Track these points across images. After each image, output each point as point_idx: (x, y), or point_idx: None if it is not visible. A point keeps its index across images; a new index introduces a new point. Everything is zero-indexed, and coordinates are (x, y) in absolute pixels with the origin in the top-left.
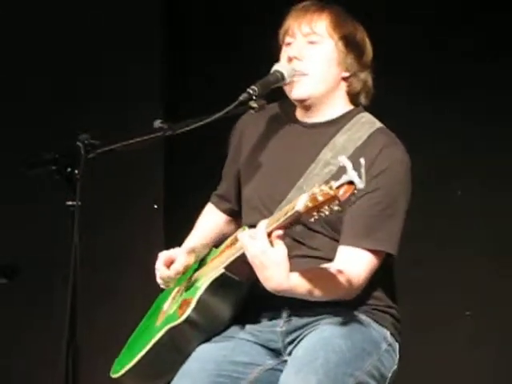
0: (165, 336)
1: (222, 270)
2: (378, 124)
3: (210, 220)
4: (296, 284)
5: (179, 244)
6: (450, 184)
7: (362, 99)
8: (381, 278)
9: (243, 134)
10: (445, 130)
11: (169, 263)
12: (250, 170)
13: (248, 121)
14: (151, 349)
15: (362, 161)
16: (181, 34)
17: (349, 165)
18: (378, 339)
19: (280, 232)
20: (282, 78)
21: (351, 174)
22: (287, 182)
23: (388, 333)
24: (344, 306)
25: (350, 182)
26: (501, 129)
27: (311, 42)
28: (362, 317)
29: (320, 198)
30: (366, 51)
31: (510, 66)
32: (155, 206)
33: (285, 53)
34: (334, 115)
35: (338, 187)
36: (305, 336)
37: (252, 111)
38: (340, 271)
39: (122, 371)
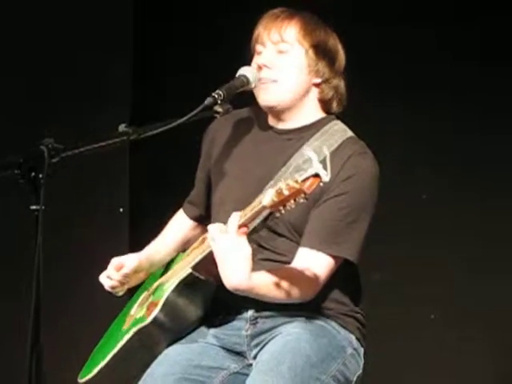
0: (133, 338)
1: (189, 270)
2: (350, 133)
3: (176, 227)
4: (256, 284)
5: (143, 247)
6: (415, 187)
7: (335, 106)
8: (346, 283)
9: (214, 140)
10: (412, 132)
11: (119, 268)
12: (220, 174)
13: (219, 126)
14: (119, 351)
15: (327, 151)
16: (151, 35)
17: (314, 157)
18: (344, 343)
19: (245, 229)
20: (248, 82)
21: (316, 167)
22: (257, 185)
23: (353, 337)
24: (310, 311)
25: (316, 175)
26: (467, 132)
27: (281, 52)
28: (328, 321)
29: (286, 192)
30: (339, 58)
31: (481, 69)
32: (120, 210)
33: (255, 61)
34: (305, 122)
35: (304, 180)
36: (270, 340)
37: (217, 115)
38: (299, 273)
39: (90, 375)
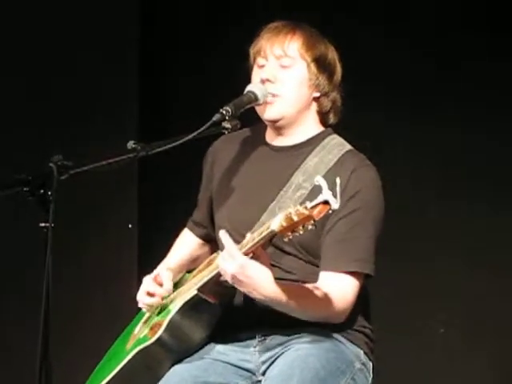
0: (135, 357)
1: (195, 292)
2: (348, 146)
3: (185, 245)
4: (285, 291)
5: (153, 263)
6: (423, 196)
7: (332, 118)
8: (357, 303)
9: (215, 160)
10: (420, 147)
11: (159, 284)
12: (221, 196)
13: (219, 147)
14: (121, 370)
15: (338, 180)
16: (158, 52)
17: (324, 184)
18: (352, 358)
19: (252, 254)
20: (256, 98)
21: (326, 194)
22: (259, 206)
23: (361, 352)
24: (318, 326)
25: (325, 202)
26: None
27: (284, 66)
28: (336, 336)
29: (295, 218)
30: (337, 71)
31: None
32: (129, 226)
33: (257, 74)
34: (304, 137)
35: (313, 207)
36: (279, 356)
37: (225, 131)
38: (327, 293)
39: None
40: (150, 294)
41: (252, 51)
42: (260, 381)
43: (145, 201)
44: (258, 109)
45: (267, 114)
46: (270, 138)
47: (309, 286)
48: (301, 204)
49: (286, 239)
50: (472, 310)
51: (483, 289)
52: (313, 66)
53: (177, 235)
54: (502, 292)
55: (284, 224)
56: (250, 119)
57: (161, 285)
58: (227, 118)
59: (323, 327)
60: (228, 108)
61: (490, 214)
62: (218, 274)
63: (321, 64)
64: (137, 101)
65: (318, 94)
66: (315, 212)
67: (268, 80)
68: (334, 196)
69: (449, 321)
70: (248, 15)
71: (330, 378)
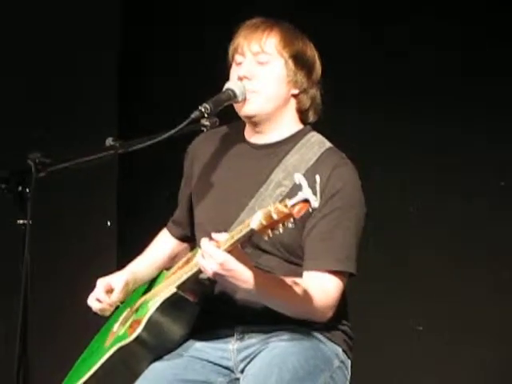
0: (114, 355)
1: (174, 290)
2: (328, 144)
3: (160, 245)
4: (267, 282)
5: (131, 261)
6: (404, 198)
7: (311, 116)
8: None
9: (194, 158)
10: (395, 143)
11: (108, 290)
12: (201, 194)
13: (198, 145)
14: (100, 368)
15: (318, 178)
16: (138, 50)
17: (304, 182)
18: (330, 356)
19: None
20: (234, 95)
21: (306, 192)
22: (238, 204)
23: (340, 350)
24: (296, 324)
25: (305, 200)
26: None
27: (261, 63)
28: (315, 334)
29: (275, 216)
30: (316, 68)
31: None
32: (108, 223)
33: (235, 71)
34: (283, 135)
35: (293, 205)
36: (257, 354)
37: (204, 129)
38: (311, 291)
39: None
40: (98, 300)
41: (230, 48)
42: (238, 378)
43: (124, 199)
44: (235, 105)
45: (244, 109)
46: (249, 135)
47: (293, 279)
48: (280, 202)
49: (265, 237)
50: (453, 307)
51: (465, 286)
52: (290, 63)
53: (156, 233)
54: (486, 289)
55: (264, 222)
56: (230, 116)
57: (110, 291)
58: (206, 115)
59: (302, 325)
60: (207, 105)
61: (471, 209)
62: (197, 272)
63: (299, 61)
64: (116, 98)
65: (296, 91)
66: (295, 210)
67: (245, 77)
68: (314, 194)
69: (428, 318)
70: (228, 13)
71: (308, 377)
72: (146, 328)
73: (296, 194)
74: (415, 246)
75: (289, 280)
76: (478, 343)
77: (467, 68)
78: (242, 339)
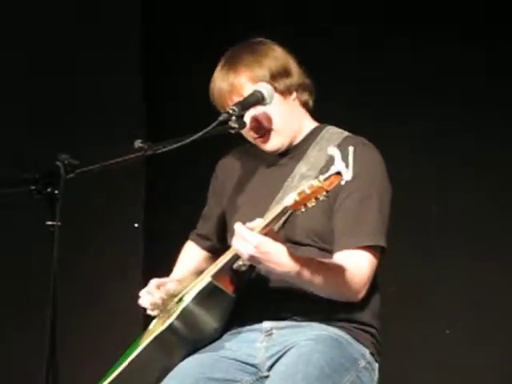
0: (147, 347)
1: (209, 279)
2: (346, 133)
3: (191, 257)
4: (301, 263)
5: (158, 264)
6: (427, 199)
7: (310, 99)
8: (366, 296)
9: (225, 175)
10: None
11: (160, 287)
12: (234, 207)
13: (227, 162)
14: (133, 361)
15: (351, 148)
16: (166, 51)
17: (337, 155)
18: (356, 356)
19: (267, 230)
20: (263, 98)
21: (339, 165)
22: (266, 200)
23: (367, 351)
24: (325, 322)
25: (338, 173)
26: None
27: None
28: (342, 333)
29: (307, 191)
30: (290, 65)
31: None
32: (135, 225)
33: (245, 133)
34: (302, 136)
35: (326, 179)
36: (285, 352)
37: (232, 131)
38: (344, 269)
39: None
40: (148, 293)
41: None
42: (265, 376)
43: (151, 200)
44: (256, 142)
45: (268, 147)
46: None
47: (326, 260)
48: (314, 178)
49: (298, 212)
50: (476, 309)
51: (487, 287)
52: (274, 84)
53: (183, 236)
54: (508, 290)
55: (297, 198)
56: None
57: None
58: (234, 117)
59: (330, 324)
60: (235, 107)
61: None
62: (233, 258)
63: (277, 75)
64: (144, 100)
65: (294, 95)
66: (327, 183)
67: (252, 129)
68: (347, 167)
69: (453, 321)
70: (255, 11)
71: (334, 375)
72: (180, 316)
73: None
74: (439, 247)
75: (323, 260)
76: (505, 345)
77: (492, 69)
78: (269, 337)
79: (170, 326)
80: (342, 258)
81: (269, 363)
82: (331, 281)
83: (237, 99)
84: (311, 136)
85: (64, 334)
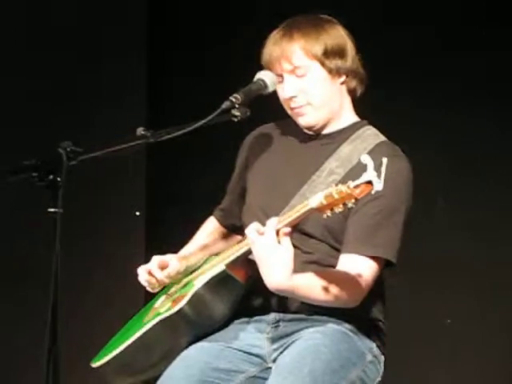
0: (154, 327)
1: (223, 267)
2: (382, 137)
3: (210, 232)
4: (298, 285)
5: (159, 252)
6: (430, 192)
7: (358, 87)
8: (372, 290)
9: (251, 150)
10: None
11: (162, 267)
12: (255, 181)
13: (256, 137)
14: (138, 339)
15: (385, 160)
16: (167, 36)
17: (370, 164)
18: (364, 350)
19: (288, 229)
20: (265, 86)
21: (370, 174)
22: (289, 190)
23: (374, 344)
24: (331, 316)
25: (369, 182)
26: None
27: (299, 76)
28: (349, 327)
29: (336, 196)
30: (348, 47)
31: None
32: (137, 213)
33: (280, 92)
34: (339, 127)
35: (356, 186)
36: (291, 344)
37: (234, 119)
38: (343, 277)
39: (104, 360)
40: (150, 273)
41: (263, 60)
42: (270, 368)
43: (152, 188)
44: (292, 115)
45: (303, 123)
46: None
47: (326, 273)
48: (343, 183)
49: (324, 216)
50: (480, 301)
51: (491, 278)
52: (325, 60)
53: (184, 223)
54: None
55: (324, 202)
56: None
57: (163, 269)
58: (236, 105)
59: (337, 317)
60: (237, 95)
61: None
62: (249, 251)
63: (331, 53)
64: (145, 87)
65: (343, 79)
66: (357, 191)
67: (292, 97)
68: (379, 177)
69: (455, 312)
70: (254, 12)
71: (341, 370)
72: (190, 302)
73: (353, 178)
74: (442, 239)
75: (319, 278)
76: (508, 335)
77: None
78: (276, 328)
79: (180, 310)
80: (347, 261)
81: (274, 355)
82: (326, 298)
83: (286, 66)
84: (348, 130)
85: (64, 321)
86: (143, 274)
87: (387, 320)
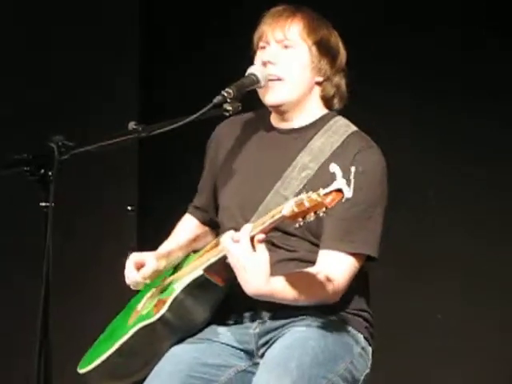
0: (137, 333)
1: (201, 272)
2: (353, 127)
3: (187, 229)
4: (276, 289)
5: (152, 246)
6: (421, 182)
7: (336, 103)
8: (356, 282)
9: (219, 144)
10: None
11: (139, 266)
12: (226, 178)
13: (223, 130)
14: (122, 346)
15: (353, 169)
16: (159, 34)
17: (339, 172)
18: (351, 342)
19: (262, 236)
20: (257, 80)
21: (340, 182)
22: (264, 187)
23: (361, 336)
24: (318, 309)
25: (339, 190)
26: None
27: (285, 46)
28: (336, 320)
29: (307, 204)
30: (340, 55)
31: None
32: (128, 208)
33: (259, 57)
34: (309, 120)
35: (326, 194)
36: (278, 338)
37: (227, 113)
38: (321, 275)
39: (90, 367)
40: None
41: (255, 36)
42: (259, 363)
43: (144, 183)
44: (260, 93)
45: (269, 98)
46: (275, 121)
47: (304, 273)
48: (314, 191)
49: (296, 225)
50: (472, 297)
51: (484, 273)
52: (314, 49)
53: (176, 218)
54: (504, 278)
55: (296, 210)
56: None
57: (139, 268)
58: (228, 100)
59: (323, 311)
60: (229, 90)
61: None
62: (225, 257)
63: (322, 47)
64: (137, 81)
65: (320, 79)
66: (328, 200)
67: (269, 62)
68: (348, 185)
69: (447, 306)
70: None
71: (328, 363)
72: (170, 308)
73: (323, 178)
74: (437, 236)
75: (296, 280)
76: (501, 331)
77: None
78: (263, 324)
79: (162, 317)
80: (326, 257)
81: (263, 350)
82: (305, 299)
83: (277, 35)
84: (319, 123)
85: (54, 316)
86: (130, 271)
87: (375, 312)
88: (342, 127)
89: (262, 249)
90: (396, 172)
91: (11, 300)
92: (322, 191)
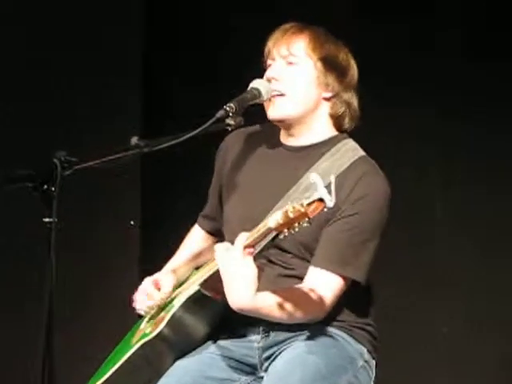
0: (137, 352)
1: (197, 287)
2: (361, 152)
3: (194, 242)
4: (260, 305)
5: (154, 261)
6: (429, 201)
7: (347, 123)
8: (359, 296)
9: (226, 156)
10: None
11: (157, 287)
12: (230, 191)
13: (231, 142)
14: (123, 365)
15: (332, 178)
16: (162, 48)
17: (319, 182)
18: (355, 355)
19: (251, 250)
20: (259, 95)
21: (321, 192)
22: (266, 204)
23: (365, 350)
24: (321, 323)
25: (320, 200)
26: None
27: (290, 63)
28: (339, 333)
29: (291, 215)
30: (350, 72)
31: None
32: (131, 223)
33: (265, 74)
34: (317, 139)
35: (309, 204)
36: (281, 352)
37: (229, 128)
38: (309, 293)
39: None
40: (148, 296)
41: (264, 54)
42: (262, 377)
43: (147, 198)
44: (265, 107)
45: (271, 113)
46: (283, 137)
47: (291, 290)
48: (298, 201)
49: (281, 236)
50: (476, 308)
51: (488, 286)
52: (320, 65)
53: (179, 233)
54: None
55: (280, 221)
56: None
57: (159, 289)
58: (231, 114)
59: (327, 324)
60: (231, 104)
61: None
62: (218, 270)
63: (329, 63)
64: (140, 96)
65: (328, 95)
66: (310, 209)
67: (273, 78)
68: (329, 193)
69: (452, 319)
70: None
71: (331, 376)
72: (168, 324)
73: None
74: (440, 247)
75: (284, 292)
76: (504, 344)
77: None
78: (266, 338)
79: (160, 333)
80: (316, 276)
81: (266, 364)
82: (293, 315)
83: (282, 50)
84: (327, 143)
85: (59, 333)
86: (144, 298)
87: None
88: (350, 151)
89: (250, 262)
90: (400, 187)
91: (15, 315)
92: (305, 201)
